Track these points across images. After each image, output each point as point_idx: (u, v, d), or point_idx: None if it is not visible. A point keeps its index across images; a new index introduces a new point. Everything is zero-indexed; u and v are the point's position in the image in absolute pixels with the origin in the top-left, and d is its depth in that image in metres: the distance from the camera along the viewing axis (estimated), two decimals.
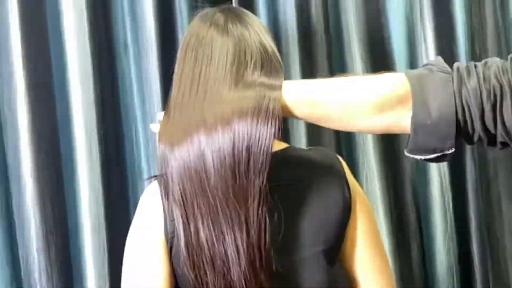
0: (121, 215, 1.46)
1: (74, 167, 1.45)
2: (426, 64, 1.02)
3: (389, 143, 1.58)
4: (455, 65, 0.97)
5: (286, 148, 1.10)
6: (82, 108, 1.43)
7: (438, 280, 1.58)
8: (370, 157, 1.56)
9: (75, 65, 1.44)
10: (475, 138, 0.96)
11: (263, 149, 0.96)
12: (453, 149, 0.94)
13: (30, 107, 1.40)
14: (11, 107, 1.42)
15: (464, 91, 0.93)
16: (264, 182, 0.96)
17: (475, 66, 0.95)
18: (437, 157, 0.97)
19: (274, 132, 0.96)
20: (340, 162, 1.12)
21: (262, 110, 0.97)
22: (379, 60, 1.57)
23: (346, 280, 1.14)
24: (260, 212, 0.97)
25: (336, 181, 1.09)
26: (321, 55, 1.53)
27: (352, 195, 1.09)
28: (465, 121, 0.93)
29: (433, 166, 1.58)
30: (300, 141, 1.54)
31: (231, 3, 1.49)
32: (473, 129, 0.94)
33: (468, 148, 1.57)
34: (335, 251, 1.09)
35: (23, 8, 1.41)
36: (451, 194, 1.56)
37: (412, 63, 1.58)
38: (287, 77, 1.40)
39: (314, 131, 1.54)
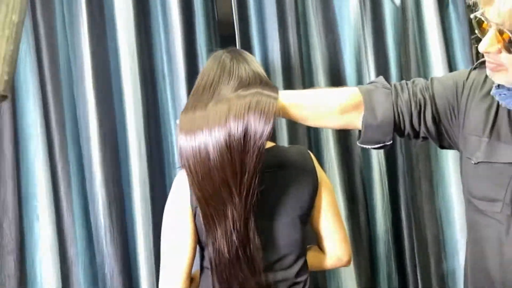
0: (160, 192, 1.60)
1: (129, 158, 1.58)
2: (372, 82, 1.15)
3: (344, 142, 1.74)
4: (393, 83, 1.11)
5: (273, 146, 1.23)
6: (134, 118, 1.58)
7: (378, 238, 1.72)
8: (331, 152, 1.70)
9: (129, 89, 1.59)
10: (405, 133, 1.10)
11: (258, 135, 1.02)
12: (391, 141, 1.09)
13: (98, 118, 1.56)
14: (86, 116, 1.56)
15: (399, 102, 1.06)
16: (257, 161, 1.04)
17: (406, 84, 1.09)
18: (380, 146, 1.11)
19: (266, 121, 1.02)
20: (310, 156, 1.25)
21: (257, 105, 1.03)
22: (336, 84, 1.71)
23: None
24: (252, 183, 1.06)
25: (308, 169, 1.22)
26: (297, 81, 1.67)
27: (319, 178, 1.23)
28: (399, 122, 1.07)
29: (374, 157, 1.72)
30: (283, 141, 1.68)
31: (235, 46, 1.67)
32: (404, 127, 1.08)
33: (398, 144, 1.73)
34: (307, 216, 1.22)
35: (93, 42, 1.56)
36: (386, 177, 1.73)
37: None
38: None
39: (293, 133, 1.68)
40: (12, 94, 1.58)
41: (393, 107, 1.06)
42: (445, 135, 1.11)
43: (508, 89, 0.94)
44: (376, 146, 1.12)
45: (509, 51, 0.85)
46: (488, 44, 0.88)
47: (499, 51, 0.87)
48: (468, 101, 1.05)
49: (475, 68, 1.06)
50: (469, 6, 1.84)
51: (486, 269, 1.02)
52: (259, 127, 1.02)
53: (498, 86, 0.96)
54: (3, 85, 0.38)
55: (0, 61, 0.38)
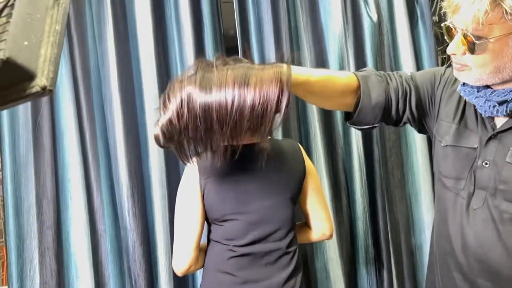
0: (175, 177, 1.60)
1: (148, 149, 1.60)
2: (362, 70, 1.10)
3: (330, 137, 1.75)
4: (383, 72, 1.09)
5: (269, 138, 1.20)
6: (153, 116, 1.59)
7: (357, 217, 1.75)
8: (318, 145, 1.72)
9: (149, 90, 1.60)
10: (390, 118, 1.08)
11: (276, 105, 0.88)
12: (378, 124, 1.08)
13: (123, 115, 1.57)
14: (112, 113, 1.57)
15: (389, 88, 1.05)
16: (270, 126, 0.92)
17: (394, 74, 1.08)
18: (368, 128, 1.10)
19: (285, 92, 0.87)
20: (299, 147, 1.27)
21: (276, 75, 0.89)
22: None
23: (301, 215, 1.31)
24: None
25: (297, 158, 1.24)
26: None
27: (306, 166, 1.25)
28: (388, 107, 1.06)
29: (354, 149, 1.73)
30: (278, 135, 1.67)
31: (238, 53, 1.70)
32: (390, 112, 1.06)
33: (375, 138, 1.74)
34: (296, 197, 1.24)
35: (118, 51, 1.57)
36: (364, 166, 1.75)
37: None
38: None
39: (286, 129, 1.69)
40: (50, 95, 1.56)
41: (384, 92, 1.04)
42: (423, 121, 1.11)
43: (472, 86, 0.96)
44: (365, 127, 1.10)
45: (472, 52, 0.87)
46: (455, 47, 0.90)
47: (464, 53, 0.89)
48: (443, 92, 1.06)
49: (449, 66, 1.06)
50: (435, 22, 1.91)
51: (448, 234, 1.03)
52: (279, 96, 0.89)
53: (464, 84, 0.98)
54: (50, 81, 0.41)
55: (47, 62, 0.41)
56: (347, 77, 1.04)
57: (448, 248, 1.04)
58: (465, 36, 0.86)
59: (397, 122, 1.11)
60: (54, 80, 0.42)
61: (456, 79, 1.01)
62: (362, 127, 1.11)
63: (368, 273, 1.72)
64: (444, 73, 1.08)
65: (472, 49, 0.87)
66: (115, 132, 1.59)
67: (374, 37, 1.73)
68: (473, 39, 0.85)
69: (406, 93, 1.05)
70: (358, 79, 1.03)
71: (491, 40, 0.85)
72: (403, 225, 1.79)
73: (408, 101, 1.06)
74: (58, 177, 1.60)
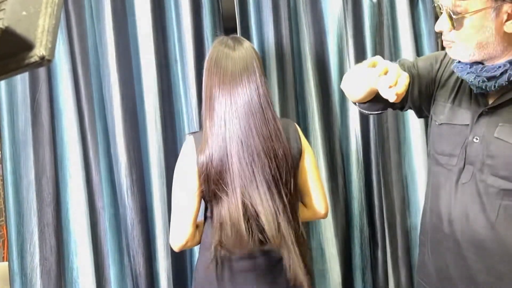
0: (172, 156, 1.59)
1: (146, 128, 1.61)
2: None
3: (327, 117, 1.75)
4: (397, 61, 1.16)
5: None
6: (151, 94, 1.60)
7: (353, 196, 1.76)
8: (315, 125, 1.73)
9: (147, 70, 1.60)
10: (396, 105, 1.14)
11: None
12: (386, 109, 1.17)
13: (121, 95, 1.57)
14: (111, 92, 1.56)
15: None
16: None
17: (397, 63, 1.14)
18: (375, 113, 1.21)
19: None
20: (297, 127, 1.28)
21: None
22: (321, 69, 1.74)
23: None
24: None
25: (294, 137, 1.25)
26: (288, 67, 1.68)
27: (303, 145, 1.26)
28: None
29: (351, 130, 1.74)
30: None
31: (236, 32, 1.68)
32: None
33: (372, 120, 1.73)
34: (297, 166, 1.23)
35: (116, 31, 1.56)
36: (361, 147, 1.76)
37: (340, 71, 1.73)
38: (268, 80, 1.59)
39: (284, 108, 1.69)
40: (48, 73, 1.60)
41: None
42: (422, 107, 1.16)
43: (465, 63, 0.99)
44: (375, 112, 1.19)
45: (454, 27, 0.92)
46: (441, 24, 0.96)
47: (450, 30, 0.94)
48: (442, 76, 1.11)
49: None
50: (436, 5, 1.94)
51: (438, 209, 1.08)
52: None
53: (459, 61, 1.01)
54: (48, 51, 0.42)
55: (45, 32, 0.42)
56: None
57: (437, 222, 1.08)
58: (448, 13, 0.92)
59: (401, 108, 1.19)
60: (52, 50, 0.43)
61: (454, 60, 1.04)
62: (373, 112, 1.20)
63: (362, 252, 1.74)
64: (444, 57, 1.13)
65: (453, 24, 0.92)
66: (113, 111, 1.59)
67: (373, 17, 1.72)
68: (452, 14, 0.90)
69: (409, 82, 1.06)
70: None
71: (468, 15, 0.89)
72: (398, 205, 1.80)
73: (410, 91, 1.11)
74: (57, 155, 1.61)
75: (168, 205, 1.60)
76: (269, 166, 1.13)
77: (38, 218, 1.58)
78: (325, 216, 1.33)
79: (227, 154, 1.13)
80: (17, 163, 1.57)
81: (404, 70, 1.09)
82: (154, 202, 1.62)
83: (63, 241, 1.61)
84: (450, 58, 1.07)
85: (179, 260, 1.67)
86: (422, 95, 1.13)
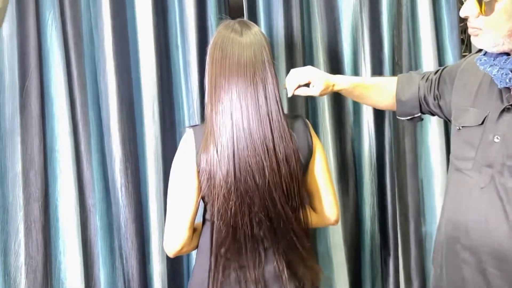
0: (171, 150, 1.53)
1: (143, 119, 1.55)
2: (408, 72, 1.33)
3: (338, 114, 1.71)
4: (423, 72, 1.28)
5: None
6: (149, 83, 1.53)
7: (364, 200, 1.71)
8: (326, 123, 1.68)
9: (145, 56, 1.53)
10: (428, 111, 1.24)
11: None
12: (419, 114, 1.25)
13: (117, 82, 1.50)
14: (105, 80, 1.50)
15: (421, 86, 1.22)
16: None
17: (432, 73, 1.22)
18: (411, 118, 1.27)
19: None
20: (307, 124, 1.22)
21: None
22: (334, 60, 1.69)
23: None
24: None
25: (305, 133, 1.19)
26: (299, 58, 1.62)
27: (313, 141, 1.20)
28: (422, 103, 1.22)
29: (364, 129, 1.69)
30: (284, 110, 1.57)
31: (243, 17, 1.59)
32: (421, 105, 1.23)
33: (387, 118, 1.70)
34: (306, 167, 1.19)
35: (113, 13, 1.50)
36: (375, 147, 1.70)
37: (354, 64, 1.68)
38: (277, 67, 1.55)
39: (293, 105, 1.63)
40: (39, 60, 1.51)
41: (418, 90, 1.21)
42: (447, 116, 1.20)
43: (490, 56, 0.95)
44: (409, 117, 1.28)
45: (484, 13, 0.87)
46: (467, 8, 0.91)
47: (478, 16, 0.90)
48: (458, 81, 1.11)
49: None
50: None
51: (455, 216, 1.04)
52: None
53: (485, 53, 0.97)
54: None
55: None
56: (393, 79, 1.29)
57: (453, 232, 1.04)
58: None
59: (433, 114, 1.26)
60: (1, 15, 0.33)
61: (473, 66, 1.03)
62: (407, 118, 1.28)
63: (372, 261, 1.70)
64: (464, 61, 1.14)
65: (483, 9, 0.86)
66: (108, 100, 1.52)
67: (392, 7, 1.66)
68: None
69: (435, 97, 1.18)
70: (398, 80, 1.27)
71: None
72: (413, 211, 1.77)
73: (437, 101, 1.18)
74: (46, 147, 1.53)
75: (165, 204, 1.50)
76: (272, 182, 1.10)
77: (24, 214, 1.50)
78: (335, 223, 1.27)
79: (233, 148, 1.08)
80: (2, 153, 1.48)
81: (435, 79, 1.17)
82: (150, 200, 1.56)
83: (51, 239, 1.54)
84: (469, 63, 1.06)
85: (175, 264, 1.61)
86: (444, 107, 1.17)
